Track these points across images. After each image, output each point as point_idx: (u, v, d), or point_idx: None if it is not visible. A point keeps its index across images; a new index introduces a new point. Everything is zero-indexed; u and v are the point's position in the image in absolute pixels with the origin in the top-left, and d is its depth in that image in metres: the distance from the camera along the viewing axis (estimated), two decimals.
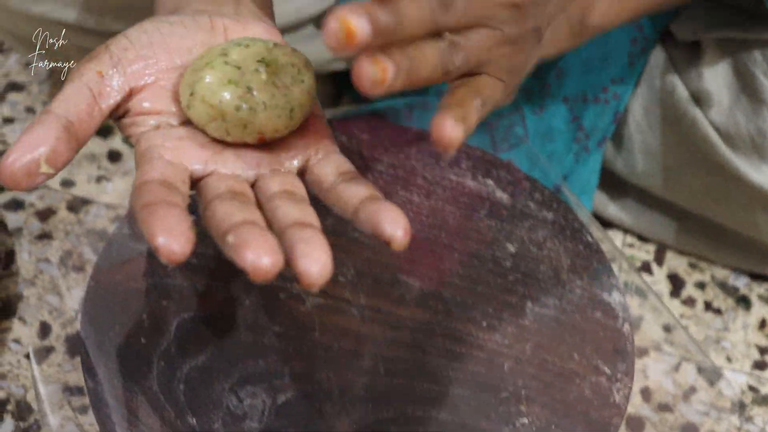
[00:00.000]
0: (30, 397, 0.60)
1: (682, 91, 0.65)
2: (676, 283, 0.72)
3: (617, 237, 0.74)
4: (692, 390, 0.66)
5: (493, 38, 0.41)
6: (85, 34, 0.66)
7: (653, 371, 0.65)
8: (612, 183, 0.73)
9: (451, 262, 0.51)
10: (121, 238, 0.51)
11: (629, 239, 0.74)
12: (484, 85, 0.42)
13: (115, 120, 0.42)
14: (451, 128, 0.38)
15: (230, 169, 0.40)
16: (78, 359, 0.58)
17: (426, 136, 0.58)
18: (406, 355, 0.47)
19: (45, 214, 0.70)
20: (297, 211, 0.37)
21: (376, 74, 0.35)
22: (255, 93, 0.40)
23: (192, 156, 0.40)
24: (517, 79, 0.45)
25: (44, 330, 0.63)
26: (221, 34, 0.44)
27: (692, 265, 0.73)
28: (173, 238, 0.33)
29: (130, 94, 0.41)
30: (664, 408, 0.64)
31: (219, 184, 0.39)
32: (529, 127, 0.71)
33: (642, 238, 0.74)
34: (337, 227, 0.48)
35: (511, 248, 0.52)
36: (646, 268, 0.73)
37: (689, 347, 0.68)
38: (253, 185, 0.41)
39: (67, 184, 0.73)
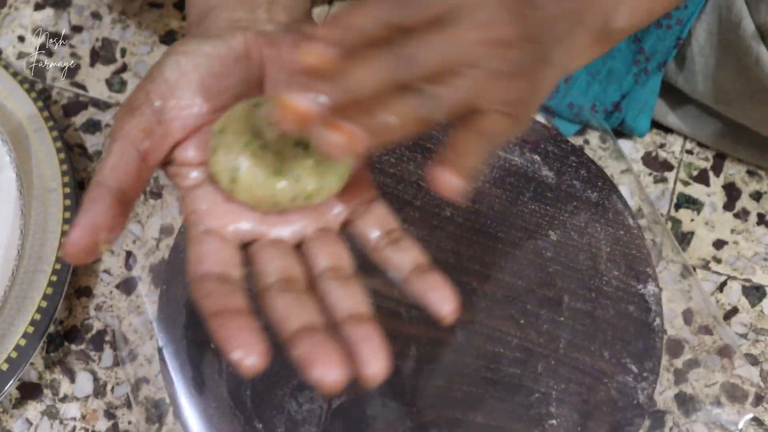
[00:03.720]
0: (124, 327, 0.67)
1: (748, 24, 0.62)
2: (731, 194, 0.73)
3: (677, 142, 0.74)
4: (734, 311, 0.69)
5: (477, 79, 0.38)
6: None
7: (697, 291, 0.68)
8: (672, 94, 0.72)
9: (495, 254, 0.54)
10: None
11: (689, 145, 0.74)
12: (485, 124, 0.40)
13: (160, 167, 0.43)
14: (449, 182, 0.38)
15: (276, 232, 0.42)
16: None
17: None
18: (448, 356, 0.52)
19: None
20: (349, 300, 0.39)
21: (344, 142, 0.35)
22: (304, 180, 0.41)
23: (239, 223, 0.42)
24: (529, 108, 0.42)
25: (130, 260, 0.69)
26: (257, 65, 0.44)
27: (750, 173, 0.73)
28: (249, 353, 0.36)
29: (174, 146, 0.42)
30: (703, 330, 0.68)
31: (269, 264, 0.41)
32: None
33: (701, 145, 0.74)
34: None
35: (553, 236, 0.55)
36: (703, 177, 0.73)
37: (737, 265, 0.71)
38: (298, 245, 0.43)
39: None
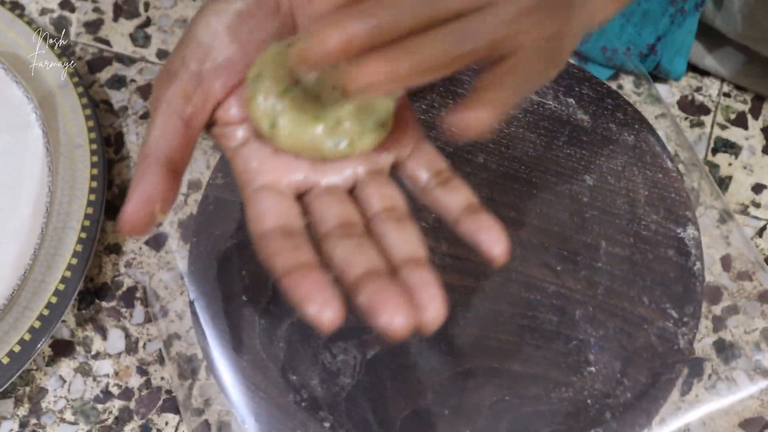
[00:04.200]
0: (155, 283, 0.67)
1: None
2: None
3: (714, 85, 0.72)
4: None
5: (507, 13, 0.37)
6: None
7: (736, 237, 0.67)
8: (709, 35, 0.70)
9: (530, 201, 0.53)
10: (216, 190, 0.55)
11: (726, 88, 0.72)
12: (517, 65, 0.39)
13: (204, 131, 0.43)
14: (473, 118, 0.36)
15: (329, 178, 0.41)
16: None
17: None
18: (483, 305, 0.51)
19: (146, 91, 0.73)
20: (406, 243, 0.38)
21: (370, 78, 0.35)
22: (345, 124, 0.40)
23: (291, 174, 0.41)
24: (563, 46, 0.41)
25: None
26: (288, 15, 0.43)
27: None
28: (325, 309, 0.35)
29: (216, 106, 0.42)
30: (743, 276, 0.66)
31: (326, 211, 0.40)
32: None
33: (739, 87, 0.72)
34: None
35: (589, 180, 0.53)
36: (741, 121, 0.71)
37: None
38: (351, 189, 0.42)
39: (163, 55, 0.75)
